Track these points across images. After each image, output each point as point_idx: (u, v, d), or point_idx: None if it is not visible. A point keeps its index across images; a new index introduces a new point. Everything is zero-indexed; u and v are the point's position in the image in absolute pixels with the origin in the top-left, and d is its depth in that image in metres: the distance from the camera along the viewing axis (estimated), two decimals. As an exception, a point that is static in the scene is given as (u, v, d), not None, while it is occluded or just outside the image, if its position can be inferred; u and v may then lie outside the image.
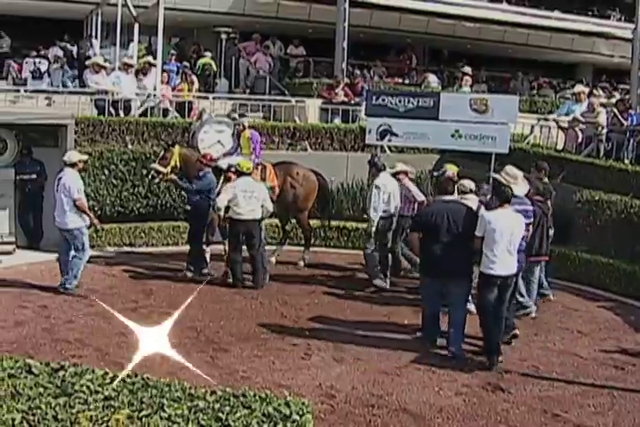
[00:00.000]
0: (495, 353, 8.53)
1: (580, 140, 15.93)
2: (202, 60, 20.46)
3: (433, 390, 7.82)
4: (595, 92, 17.54)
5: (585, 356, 9.12)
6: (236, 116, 14.00)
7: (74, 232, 10.79)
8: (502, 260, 8.50)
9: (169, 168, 12.25)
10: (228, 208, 11.33)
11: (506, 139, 13.26)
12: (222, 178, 12.10)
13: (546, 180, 11.49)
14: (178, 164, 12.27)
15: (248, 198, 11.24)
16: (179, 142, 12.85)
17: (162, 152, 12.48)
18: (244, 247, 11.54)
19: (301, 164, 13.36)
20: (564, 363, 8.84)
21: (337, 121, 17.79)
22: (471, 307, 9.55)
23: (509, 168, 9.58)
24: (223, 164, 12.34)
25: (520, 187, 9.32)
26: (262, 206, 11.38)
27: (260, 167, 12.63)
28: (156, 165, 12.28)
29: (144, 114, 16.45)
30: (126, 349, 8.13)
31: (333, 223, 14.06)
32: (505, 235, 8.49)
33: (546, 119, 17.49)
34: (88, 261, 11.08)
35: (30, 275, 11.49)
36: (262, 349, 8.75)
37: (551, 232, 10.90)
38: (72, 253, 10.78)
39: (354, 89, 18.85)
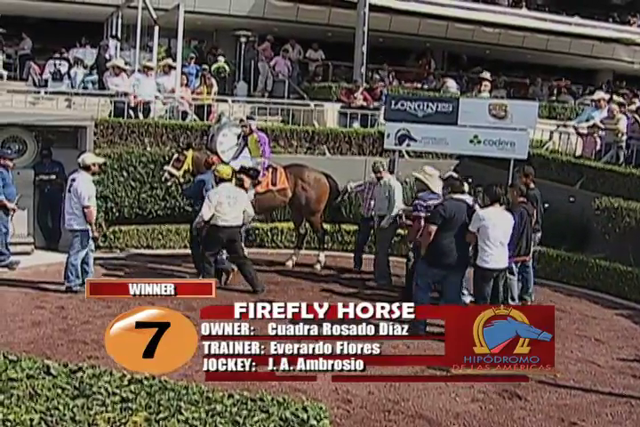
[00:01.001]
0: None
1: (598, 146, 15.86)
2: (215, 65, 20.53)
3: (449, 396, 7.79)
4: (615, 98, 17.46)
5: (602, 364, 9.06)
6: (244, 118, 13.99)
7: (77, 233, 10.86)
8: (497, 254, 9.34)
9: (181, 171, 12.29)
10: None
11: (525, 145, 13.23)
12: (233, 181, 12.04)
13: (532, 185, 11.36)
14: (190, 167, 12.30)
15: (233, 205, 11.10)
16: (192, 145, 12.84)
17: (175, 155, 12.50)
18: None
19: (320, 168, 13.34)
20: (581, 371, 8.78)
21: (355, 125, 17.80)
22: (466, 299, 9.90)
23: (428, 168, 10.57)
24: (235, 165, 12.32)
25: (437, 185, 10.24)
26: (244, 212, 11.31)
27: (270, 170, 12.62)
28: (169, 168, 12.33)
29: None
30: (143, 351, 8.18)
31: (350, 227, 14.04)
32: (498, 231, 9.31)
33: (565, 125, 17.43)
34: (106, 263, 11.11)
35: (48, 276, 11.52)
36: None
37: (538, 235, 11.30)
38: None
39: (373, 93, 18.83)
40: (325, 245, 13.34)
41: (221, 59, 21.00)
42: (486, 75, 20.88)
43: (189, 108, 17.09)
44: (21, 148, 12.91)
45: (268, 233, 13.97)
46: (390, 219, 11.89)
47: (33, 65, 20.27)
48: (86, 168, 10.94)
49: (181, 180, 12.47)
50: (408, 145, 13.99)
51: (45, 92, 17.28)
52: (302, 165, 13.27)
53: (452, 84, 22.02)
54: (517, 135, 13.13)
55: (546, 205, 13.35)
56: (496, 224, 9.30)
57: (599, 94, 17.19)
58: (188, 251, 12.42)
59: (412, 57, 27.14)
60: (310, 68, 23.66)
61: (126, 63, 17.71)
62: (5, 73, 19.64)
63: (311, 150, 16.58)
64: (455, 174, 11.33)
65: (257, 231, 13.89)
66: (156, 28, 18.36)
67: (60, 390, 4.81)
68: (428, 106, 13.78)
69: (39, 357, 6.14)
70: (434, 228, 9.37)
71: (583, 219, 13.67)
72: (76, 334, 9.00)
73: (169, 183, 12.67)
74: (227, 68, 20.68)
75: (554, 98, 25.03)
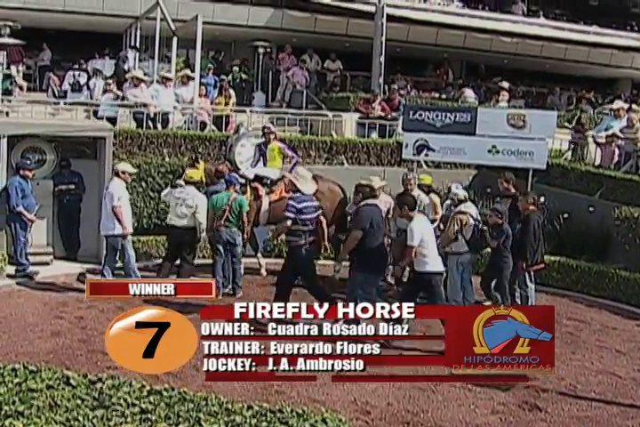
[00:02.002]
0: None
1: (616, 156, 15.78)
2: (230, 76, 20.69)
3: (469, 407, 7.75)
4: (634, 107, 17.37)
5: (623, 376, 8.98)
6: (269, 124, 14.03)
7: (110, 239, 11.19)
8: (435, 258, 9.50)
9: None
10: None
11: (543, 154, 13.18)
12: (248, 190, 12.02)
13: (512, 190, 11.33)
14: (203, 179, 12.29)
15: (179, 206, 11.32)
16: (202, 157, 12.90)
17: (188, 168, 12.51)
18: None
19: (338, 178, 13.32)
20: (602, 382, 8.71)
21: (374, 135, 17.79)
22: None
23: (301, 169, 11.00)
24: (249, 173, 12.31)
25: (309, 186, 10.37)
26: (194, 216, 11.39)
27: (284, 178, 12.63)
28: (182, 182, 12.32)
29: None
30: (162, 361, 8.20)
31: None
32: (432, 237, 9.57)
33: (577, 130, 17.35)
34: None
35: (67, 286, 11.57)
36: (297, 363, 8.71)
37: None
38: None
39: (391, 104, 18.82)
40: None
41: (235, 68, 21.11)
42: (504, 84, 20.86)
43: (208, 119, 17.15)
44: (41, 158, 12.98)
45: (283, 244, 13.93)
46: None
47: (52, 76, 20.43)
48: (117, 174, 11.41)
49: None
50: (426, 155, 13.97)
51: (65, 103, 17.39)
52: (316, 174, 13.25)
53: (470, 94, 21.99)
54: (536, 145, 13.08)
55: (565, 215, 13.34)
56: (428, 231, 9.52)
57: (618, 104, 17.11)
58: (205, 261, 12.45)
59: (429, 67, 27.12)
60: (328, 78, 23.68)
61: (145, 74, 17.80)
62: (25, 84, 19.73)
63: (329, 161, 16.59)
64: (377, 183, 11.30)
65: (275, 242, 13.86)
66: (175, 39, 18.45)
67: (79, 401, 4.82)
68: (446, 116, 13.77)
69: (59, 367, 6.17)
70: (359, 234, 9.49)
71: (603, 229, 13.57)
72: (96, 344, 8.99)
73: None
74: (241, 74, 20.78)
75: (572, 107, 24.95)
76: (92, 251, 12.65)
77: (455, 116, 13.71)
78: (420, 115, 13.90)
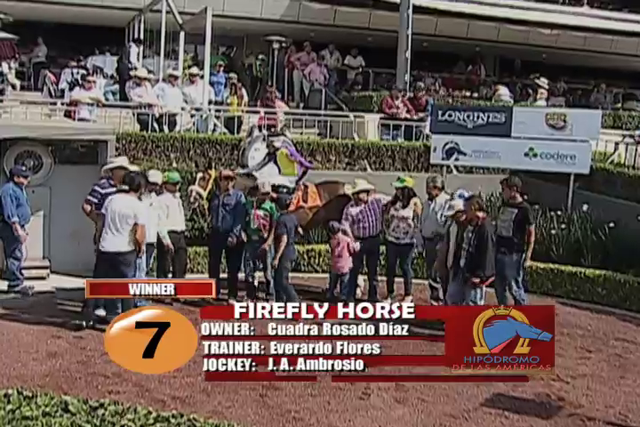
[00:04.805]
0: None
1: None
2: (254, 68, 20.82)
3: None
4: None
5: (679, 402, 8.91)
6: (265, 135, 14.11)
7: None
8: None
9: (207, 191, 12.36)
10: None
11: (586, 158, 13.13)
12: (255, 200, 11.97)
13: (519, 198, 11.20)
14: (214, 187, 12.33)
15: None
16: (216, 164, 12.95)
17: (200, 174, 12.58)
18: None
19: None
20: (655, 411, 8.64)
21: (399, 138, 17.74)
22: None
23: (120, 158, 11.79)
24: (263, 184, 12.27)
25: (157, 176, 11.49)
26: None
27: (302, 186, 12.65)
28: (196, 188, 12.37)
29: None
30: (168, 384, 8.19)
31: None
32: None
33: (631, 136, 17.29)
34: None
35: (65, 302, 11.60)
36: (316, 387, 8.67)
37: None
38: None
39: (418, 103, 18.79)
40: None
41: (258, 61, 21.27)
42: (543, 81, 20.84)
43: (218, 121, 17.20)
44: (36, 164, 13.01)
45: (305, 256, 13.94)
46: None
47: (48, 74, 20.51)
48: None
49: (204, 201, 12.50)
50: (457, 159, 14.00)
51: (62, 104, 17.43)
52: (337, 181, 13.25)
53: (504, 92, 22.00)
54: (578, 147, 13.04)
55: (611, 225, 13.26)
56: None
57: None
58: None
59: (460, 63, 27.16)
60: (349, 75, 23.76)
61: (150, 72, 17.90)
62: (18, 82, 19.87)
63: (351, 166, 16.59)
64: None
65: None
66: (182, 34, 18.56)
67: (79, 429, 4.83)
68: (478, 116, 13.80)
69: (56, 392, 6.19)
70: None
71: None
72: (96, 366, 9.00)
73: (195, 204, 12.71)
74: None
75: (619, 105, 24.88)
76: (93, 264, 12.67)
77: (488, 117, 13.74)
78: (450, 115, 13.94)
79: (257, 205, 11.65)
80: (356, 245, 11.71)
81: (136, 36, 21.08)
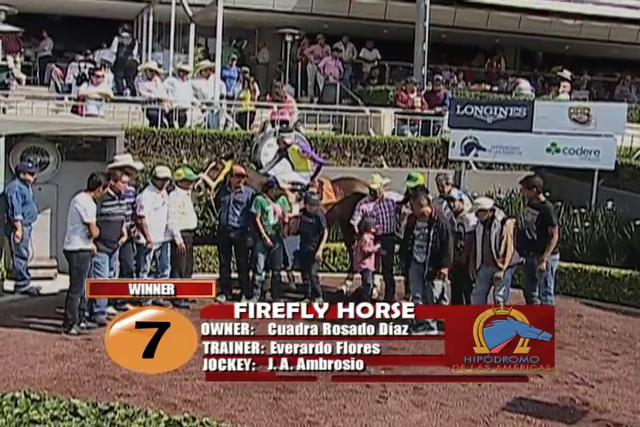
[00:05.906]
0: None
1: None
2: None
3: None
4: None
5: None
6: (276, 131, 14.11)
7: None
8: None
9: (215, 183, 12.23)
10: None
11: (611, 153, 13.08)
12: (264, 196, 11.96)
13: (542, 198, 11.12)
14: (225, 179, 12.22)
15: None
16: (234, 157, 12.86)
17: (213, 163, 12.42)
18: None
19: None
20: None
21: (416, 133, 17.70)
22: None
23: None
24: (279, 179, 12.27)
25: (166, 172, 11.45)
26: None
27: (317, 184, 12.63)
28: (204, 176, 12.22)
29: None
30: (179, 387, 8.21)
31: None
32: None
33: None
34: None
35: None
36: (332, 390, 8.68)
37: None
38: None
39: (436, 97, 18.71)
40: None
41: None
42: (565, 74, 20.77)
43: (230, 116, 17.21)
44: (43, 161, 13.05)
45: (320, 254, 13.94)
46: None
47: (55, 68, 20.59)
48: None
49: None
50: (476, 155, 13.96)
51: (69, 99, 17.45)
52: (352, 178, 13.22)
53: (525, 86, 21.95)
54: (603, 142, 13.00)
55: (637, 223, 13.20)
56: None
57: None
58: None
59: (479, 55, 27.09)
60: (364, 69, 23.75)
61: (159, 66, 17.89)
62: (24, 77, 19.91)
63: (367, 162, 16.57)
64: None
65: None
66: (192, 26, 18.56)
67: (88, 433, 4.85)
68: (498, 110, 13.78)
69: (64, 395, 6.20)
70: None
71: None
72: (105, 368, 9.02)
73: (200, 193, 12.51)
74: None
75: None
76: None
77: (509, 111, 13.72)
78: (469, 109, 13.92)
79: (274, 200, 11.70)
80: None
81: (144, 28, 21.10)
